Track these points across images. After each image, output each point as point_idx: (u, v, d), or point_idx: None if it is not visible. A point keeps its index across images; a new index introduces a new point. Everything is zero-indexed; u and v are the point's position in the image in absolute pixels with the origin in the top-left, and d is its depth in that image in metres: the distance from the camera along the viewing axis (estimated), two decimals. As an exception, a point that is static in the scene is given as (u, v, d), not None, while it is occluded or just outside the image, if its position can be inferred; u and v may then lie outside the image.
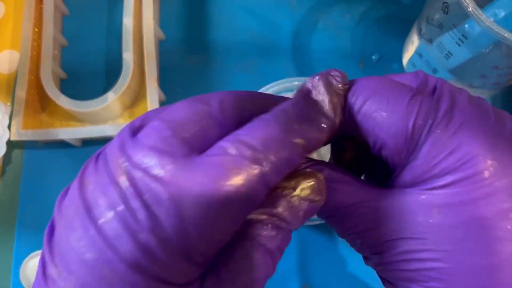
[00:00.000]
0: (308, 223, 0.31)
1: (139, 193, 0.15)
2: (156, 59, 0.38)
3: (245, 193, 0.15)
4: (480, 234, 0.15)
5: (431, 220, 0.16)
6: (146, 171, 0.15)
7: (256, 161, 0.15)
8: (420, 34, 0.34)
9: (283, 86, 0.32)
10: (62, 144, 0.38)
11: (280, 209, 0.16)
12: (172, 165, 0.15)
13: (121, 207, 0.15)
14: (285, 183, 0.17)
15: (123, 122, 0.38)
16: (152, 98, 0.37)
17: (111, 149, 0.16)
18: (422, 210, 0.16)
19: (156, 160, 0.15)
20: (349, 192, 0.18)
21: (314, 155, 0.20)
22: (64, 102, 0.36)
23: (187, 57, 0.41)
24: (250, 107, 0.17)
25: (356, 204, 0.18)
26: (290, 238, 0.17)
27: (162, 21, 0.42)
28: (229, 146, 0.15)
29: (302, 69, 0.39)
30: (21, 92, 0.37)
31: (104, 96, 0.36)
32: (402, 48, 0.38)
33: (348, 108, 0.18)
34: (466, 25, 0.28)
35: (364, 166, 0.21)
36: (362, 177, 0.21)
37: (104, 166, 0.16)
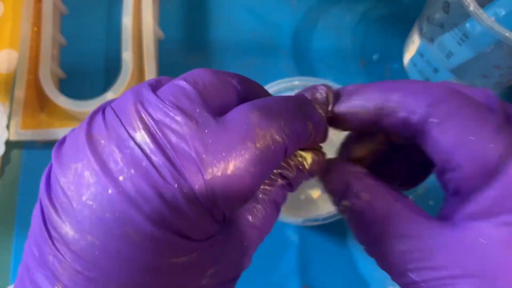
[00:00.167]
0: (308, 223, 0.31)
1: (162, 150, 0.15)
2: (156, 58, 0.38)
3: (269, 155, 0.16)
4: None
5: (505, 258, 0.15)
6: (169, 127, 0.15)
7: (279, 129, 0.16)
8: (421, 34, 0.33)
9: (283, 86, 0.32)
10: (61, 144, 0.38)
11: (290, 174, 0.18)
12: (197, 122, 0.15)
13: (144, 163, 0.14)
14: (298, 152, 0.19)
15: (122, 122, 0.37)
16: (152, 98, 0.37)
17: (124, 104, 0.16)
18: (495, 246, 0.15)
19: (180, 117, 0.15)
20: (407, 221, 0.17)
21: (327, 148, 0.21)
22: (63, 102, 0.36)
23: (186, 57, 0.40)
24: (259, 89, 0.19)
25: (414, 238, 0.17)
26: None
27: (162, 20, 0.42)
28: (252, 112, 0.16)
29: (302, 69, 0.39)
30: (20, 92, 0.37)
31: (103, 95, 0.36)
32: (403, 48, 0.38)
33: (420, 116, 0.17)
34: (467, 25, 0.27)
35: (381, 163, 0.21)
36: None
37: (117, 121, 0.15)
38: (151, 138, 0.15)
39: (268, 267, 0.34)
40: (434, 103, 0.17)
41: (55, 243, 0.14)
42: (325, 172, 0.20)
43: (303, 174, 0.19)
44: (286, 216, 0.30)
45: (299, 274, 0.34)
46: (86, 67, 0.41)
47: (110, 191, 0.14)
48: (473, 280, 0.15)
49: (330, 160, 0.21)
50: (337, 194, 0.20)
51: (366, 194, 0.19)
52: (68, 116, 0.38)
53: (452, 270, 0.16)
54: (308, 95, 0.20)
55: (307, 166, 0.19)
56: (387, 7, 0.41)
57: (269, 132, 0.16)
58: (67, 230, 0.14)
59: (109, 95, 0.36)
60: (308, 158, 0.19)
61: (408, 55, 0.37)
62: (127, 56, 0.37)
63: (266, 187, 0.18)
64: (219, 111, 0.16)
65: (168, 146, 0.15)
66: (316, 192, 0.32)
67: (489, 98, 0.17)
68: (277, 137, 0.16)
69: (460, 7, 0.26)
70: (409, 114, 0.18)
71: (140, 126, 0.15)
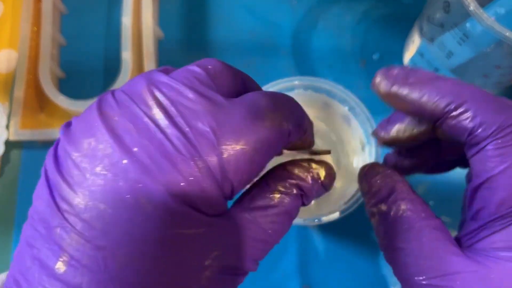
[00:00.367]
0: (308, 223, 0.31)
1: (176, 125, 0.15)
2: (155, 58, 0.38)
3: (276, 135, 0.17)
4: None
5: None
6: (183, 105, 0.15)
7: (285, 114, 0.17)
8: (421, 33, 0.33)
9: (283, 86, 0.32)
10: (61, 144, 0.38)
11: (306, 185, 0.19)
12: (209, 100, 0.16)
13: (159, 135, 0.15)
14: (313, 165, 0.20)
15: (122, 122, 0.37)
16: (151, 98, 0.37)
17: (135, 86, 0.16)
18: None
19: (193, 95, 0.16)
20: (432, 242, 0.18)
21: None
22: (62, 101, 0.36)
23: (186, 56, 0.40)
24: (259, 88, 0.20)
25: (434, 261, 0.18)
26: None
27: (161, 20, 0.41)
28: (261, 97, 0.17)
29: (303, 69, 0.39)
30: (19, 92, 0.37)
31: (103, 95, 0.36)
32: (403, 48, 0.38)
33: (486, 134, 0.18)
34: (467, 24, 0.27)
35: (416, 148, 0.23)
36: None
37: (129, 100, 0.16)
38: (165, 114, 0.15)
39: (268, 267, 0.34)
40: (503, 126, 0.18)
41: (65, 215, 0.14)
42: (366, 173, 0.22)
43: (318, 186, 0.20)
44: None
45: (299, 274, 0.34)
46: (85, 67, 0.40)
47: (124, 161, 0.14)
48: None
49: (375, 163, 0.22)
50: (377, 197, 0.20)
51: (405, 204, 0.20)
52: (68, 116, 0.38)
53: None
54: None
55: (322, 178, 0.20)
56: (387, 7, 0.40)
57: (276, 115, 0.17)
58: (79, 200, 0.14)
59: (109, 95, 0.36)
60: (322, 171, 0.20)
61: (408, 54, 0.37)
62: (127, 56, 0.37)
63: (283, 195, 0.18)
64: (230, 93, 0.17)
65: (182, 121, 0.15)
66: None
67: None
68: (283, 121, 0.17)
69: (461, 6, 0.26)
70: (477, 126, 0.18)
71: (154, 103, 0.15)
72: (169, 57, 0.40)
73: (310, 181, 0.19)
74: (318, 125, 0.33)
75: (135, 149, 0.15)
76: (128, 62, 0.37)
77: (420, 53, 0.34)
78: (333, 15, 0.41)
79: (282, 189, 0.18)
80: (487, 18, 0.25)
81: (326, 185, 0.20)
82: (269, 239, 0.18)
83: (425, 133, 0.21)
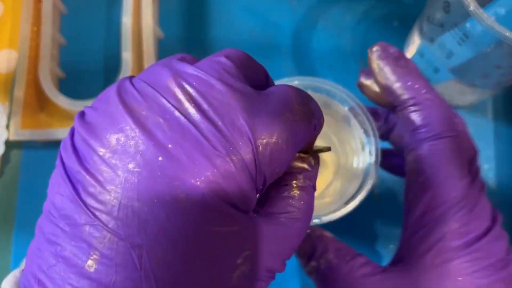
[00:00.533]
0: (308, 223, 0.30)
1: (209, 119, 0.15)
2: (155, 58, 0.38)
3: (305, 127, 0.17)
4: None
5: None
6: (215, 98, 0.15)
7: (312, 106, 0.18)
8: (421, 34, 0.33)
9: (283, 86, 0.32)
10: (61, 144, 0.38)
11: (310, 174, 0.20)
12: (241, 93, 0.16)
13: (193, 131, 0.14)
14: (300, 154, 0.20)
15: (122, 122, 0.37)
16: (151, 98, 0.37)
17: (159, 77, 0.16)
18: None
19: (224, 88, 0.15)
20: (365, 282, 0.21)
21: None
22: (62, 101, 0.36)
23: (186, 57, 0.40)
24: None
25: None
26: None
27: (161, 20, 0.41)
28: (290, 90, 0.17)
29: (302, 69, 0.39)
30: (19, 92, 0.37)
31: (103, 95, 0.36)
32: (403, 48, 0.38)
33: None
34: (467, 24, 0.27)
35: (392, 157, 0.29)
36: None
37: (155, 93, 0.15)
38: (197, 108, 0.15)
39: (268, 267, 0.34)
40: (441, 135, 0.23)
41: (95, 212, 0.14)
42: None
43: (316, 170, 0.20)
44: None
45: (299, 274, 0.34)
46: (85, 66, 0.40)
47: (160, 158, 0.14)
48: None
49: None
50: (305, 256, 0.23)
51: (331, 256, 0.23)
52: (68, 116, 0.38)
53: None
54: None
55: (313, 163, 0.20)
56: (387, 7, 0.40)
57: (306, 108, 0.17)
58: (111, 198, 0.14)
59: (109, 95, 0.36)
60: (309, 157, 0.20)
61: (408, 55, 0.37)
62: (127, 55, 0.37)
63: (301, 191, 0.19)
64: (255, 84, 0.17)
65: (215, 116, 0.15)
66: (316, 192, 0.32)
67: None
68: (312, 114, 0.17)
69: (461, 6, 0.26)
70: (421, 127, 0.23)
71: (184, 97, 0.15)
72: (169, 57, 0.40)
73: (310, 169, 0.20)
74: (318, 125, 0.33)
75: (170, 145, 0.14)
76: (128, 62, 0.37)
77: (420, 53, 0.34)
78: (333, 15, 0.41)
79: (299, 184, 0.19)
80: (487, 18, 0.25)
81: (317, 167, 0.21)
82: (295, 237, 0.18)
83: (384, 104, 0.26)
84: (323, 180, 0.31)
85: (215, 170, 0.14)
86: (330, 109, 0.32)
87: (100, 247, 0.14)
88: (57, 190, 0.15)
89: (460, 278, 0.19)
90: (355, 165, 0.32)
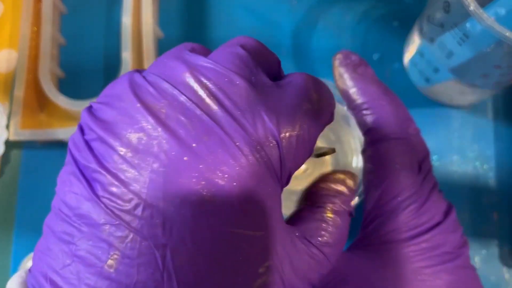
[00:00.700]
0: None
1: (234, 117, 0.14)
2: (155, 58, 0.38)
3: (323, 116, 0.17)
4: None
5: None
6: (235, 93, 0.15)
7: (328, 95, 0.18)
8: (421, 34, 0.33)
9: (283, 86, 0.32)
10: (61, 144, 0.38)
11: (346, 198, 0.20)
12: (261, 87, 0.15)
13: (216, 130, 0.14)
14: (340, 175, 0.21)
15: (122, 121, 0.37)
16: (151, 98, 0.37)
17: (174, 71, 0.15)
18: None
19: (243, 82, 0.15)
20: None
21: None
22: (62, 101, 0.36)
23: (186, 57, 0.40)
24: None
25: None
26: None
27: (161, 20, 0.41)
28: (307, 79, 0.17)
29: (302, 68, 0.39)
30: (20, 92, 0.37)
31: (103, 95, 0.36)
32: (403, 48, 0.38)
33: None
34: (468, 24, 0.27)
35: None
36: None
37: (172, 88, 0.15)
38: (219, 105, 0.14)
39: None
40: (386, 139, 0.24)
41: (116, 212, 0.14)
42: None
43: (353, 195, 0.21)
44: (287, 215, 0.30)
45: None
46: (85, 66, 0.40)
47: (185, 158, 0.14)
48: None
49: None
50: None
51: None
52: (68, 116, 0.38)
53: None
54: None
55: (352, 186, 0.21)
56: (387, 7, 0.40)
57: (324, 97, 0.17)
58: (134, 197, 0.14)
59: (109, 95, 0.36)
60: (348, 179, 0.21)
61: (408, 54, 0.37)
62: (127, 55, 0.37)
63: (335, 216, 0.18)
64: (270, 74, 0.17)
65: (238, 112, 0.14)
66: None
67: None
68: (329, 103, 0.17)
69: (461, 6, 0.26)
70: (372, 130, 0.24)
71: (204, 92, 0.15)
72: (169, 57, 0.40)
73: (348, 193, 0.20)
74: (318, 125, 0.33)
75: (194, 144, 0.14)
76: (128, 62, 0.37)
77: (420, 53, 0.34)
78: (333, 15, 0.41)
79: (334, 209, 0.19)
80: (487, 18, 0.25)
81: (356, 192, 0.21)
82: (323, 262, 0.18)
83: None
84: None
85: (241, 169, 0.14)
86: (330, 109, 0.32)
87: (121, 247, 0.14)
88: (69, 189, 0.15)
89: (406, 266, 0.20)
90: (354, 164, 0.32)
